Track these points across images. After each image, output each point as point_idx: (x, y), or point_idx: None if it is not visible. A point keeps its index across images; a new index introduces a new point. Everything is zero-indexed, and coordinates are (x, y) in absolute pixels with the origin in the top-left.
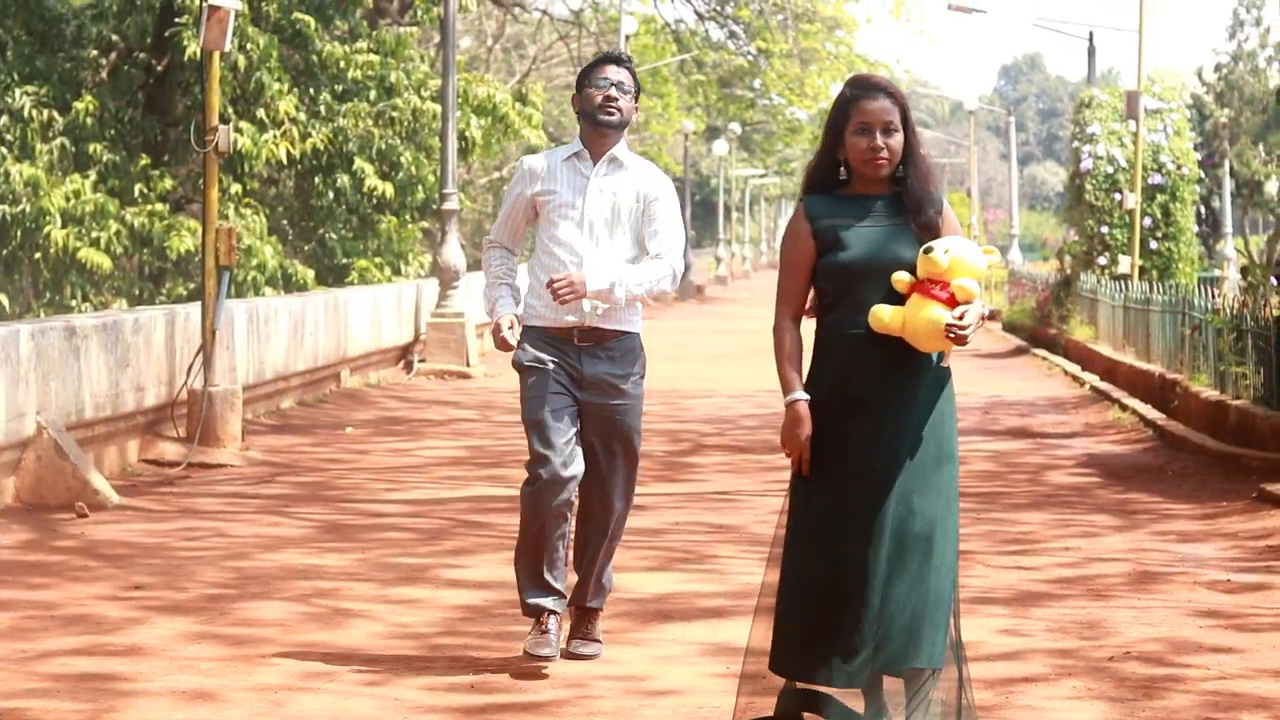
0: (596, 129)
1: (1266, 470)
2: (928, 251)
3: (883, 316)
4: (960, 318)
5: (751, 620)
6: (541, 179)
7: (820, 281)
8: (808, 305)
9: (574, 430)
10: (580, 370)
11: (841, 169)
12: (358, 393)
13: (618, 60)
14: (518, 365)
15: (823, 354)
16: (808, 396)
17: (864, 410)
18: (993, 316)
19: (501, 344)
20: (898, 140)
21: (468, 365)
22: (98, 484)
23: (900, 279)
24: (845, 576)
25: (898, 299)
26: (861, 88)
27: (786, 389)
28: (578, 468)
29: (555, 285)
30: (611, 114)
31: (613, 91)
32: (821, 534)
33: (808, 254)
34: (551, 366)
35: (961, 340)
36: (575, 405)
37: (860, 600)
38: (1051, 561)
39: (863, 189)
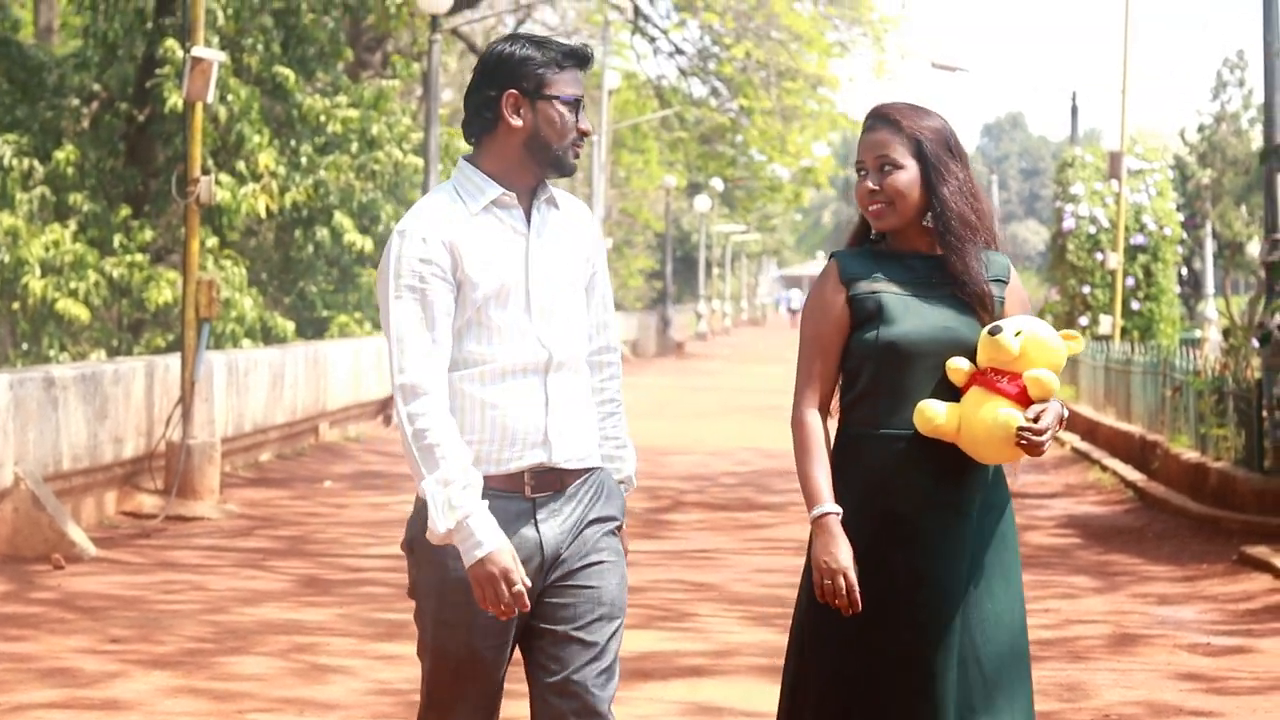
0: (548, 171)
1: (1247, 533)
2: (994, 333)
3: (934, 416)
4: (1036, 419)
5: None
6: (463, 252)
7: (851, 363)
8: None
9: (503, 670)
10: (537, 542)
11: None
12: (336, 446)
13: (589, 62)
14: (425, 549)
15: (849, 459)
16: (839, 509)
17: (906, 537)
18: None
19: (519, 602)
20: (901, 180)
21: None
22: (75, 536)
23: (958, 367)
24: None
25: (949, 391)
26: (866, 119)
27: (813, 499)
28: None
29: None
30: (578, 156)
31: (585, 123)
32: (849, 700)
33: (840, 325)
34: None
35: (1035, 449)
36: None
37: None
38: (1031, 623)
39: (899, 245)
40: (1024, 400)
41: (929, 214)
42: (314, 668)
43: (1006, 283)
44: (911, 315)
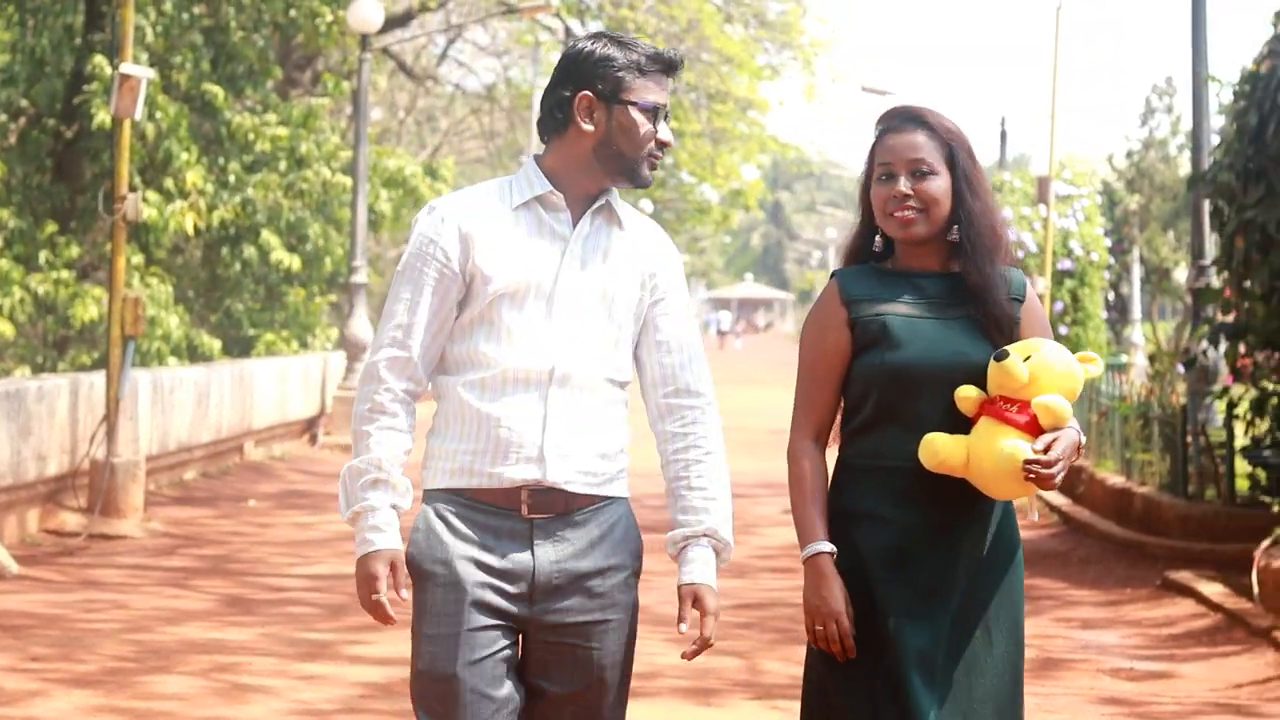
0: (619, 180)
1: (1170, 558)
2: (1000, 358)
3: (939, 449)
4: (1045, 450)
5: None
6: (480, 242)
7: (854, 390)
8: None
9: (513, 701)
10: (530, 567)
11: (878, 238)
12: (262, 465)
13: (675, 68)
14: (413, 565)
15: (849, 493)
16: (833, 548)
17: (906, 576)
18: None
19: (378, 613)
20: (937, 186)
21: None
22: None
23: (966, 395)
24: None
25: (962, 421)
26: (887, 120)
27: (806, 537)
28: None
29: None
30: (655, 168)
31: (666, 132)
32: None
33: (841, 349)
34: (476, 575)
35: (1046, 482)
36: (514, 643)
37: None
38: None
39: (910, 262)
40: (1034, 430)
41: (954, 227)
42: (236, 687)
43: (1023, 301)
44: (919, 339)
